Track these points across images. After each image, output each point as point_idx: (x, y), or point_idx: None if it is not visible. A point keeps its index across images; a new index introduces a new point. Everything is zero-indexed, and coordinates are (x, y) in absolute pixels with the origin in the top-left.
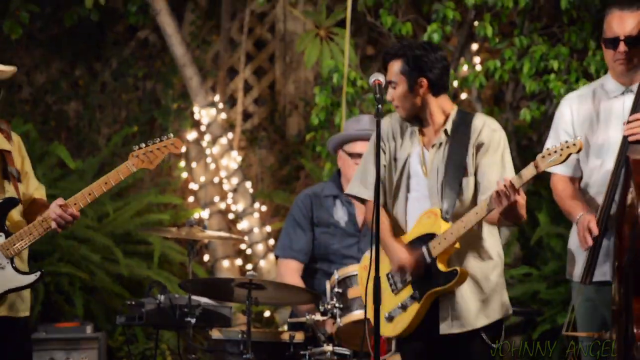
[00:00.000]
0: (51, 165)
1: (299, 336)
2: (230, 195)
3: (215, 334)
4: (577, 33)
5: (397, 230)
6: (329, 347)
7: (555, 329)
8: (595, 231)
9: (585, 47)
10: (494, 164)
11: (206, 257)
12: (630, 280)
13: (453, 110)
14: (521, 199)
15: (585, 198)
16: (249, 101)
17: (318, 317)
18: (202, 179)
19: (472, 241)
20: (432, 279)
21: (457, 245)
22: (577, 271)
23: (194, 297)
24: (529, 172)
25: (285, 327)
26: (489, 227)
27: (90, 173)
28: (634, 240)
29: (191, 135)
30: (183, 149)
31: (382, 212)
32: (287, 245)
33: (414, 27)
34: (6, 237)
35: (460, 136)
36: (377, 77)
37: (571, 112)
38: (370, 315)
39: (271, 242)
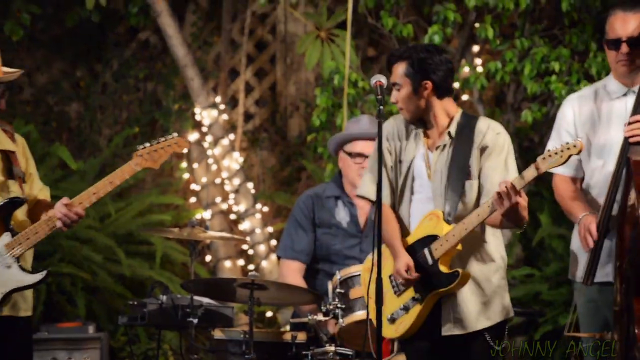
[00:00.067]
0: (52, 166)
1: (301, 336)
2: (232, 196)
3: (218, 334)
4: (578, 35)
5: (402, 231)
6: (331, 348)
7: (557, 329)
8: (595, 234)
9: (586, 49)
10: (498, 167)
11: (208, 258)
12: (631, 281)
13: (457, 112)
14: (522, 200)
15: (587, 198)
16: (250, 102)
17: (320, 317)
18: (204, 179)
19: (474, 243)
20: (434, 281)
21: (459, 247)
22: (580, 272)
23: (196, 298)
24: (529, 173)
25: (288, 328)
26: (492, 229)
27: (91, 174)
28: (635, 241)
29: (193, 136)
30: (185, 150)
31: (391, 213)
32: (289, 246)
33: (414, 28)
34: (12, 237)
35: (464, 139)
36: (379, 79)
37: (573, 112)
38: (373, 317)
39: (273, 242)
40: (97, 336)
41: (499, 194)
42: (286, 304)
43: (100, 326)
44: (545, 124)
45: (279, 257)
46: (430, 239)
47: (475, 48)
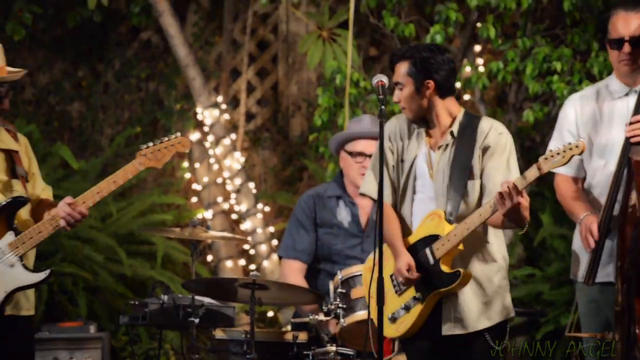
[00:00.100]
0: (54, 166)
1: (303, 336)
2: (233, 195)
3: (219, 334)
4: (580, 34)
5: (403, 231)
6: (332, 348)
7: (559, 330)
8: (596, 235)
9: (588, 49)
10: (500, 167)
11: (209, 258)
12: (632, 281)
13: (460, 112)
14: (524, 201)
15: (589, 198)
16: (252, 102)
17: (321, 317)
18: (205, 179)
19: (476, 243)
20: (435, 281)
21: (461, 247)
22: (581, 272)
23: (197, 297)
24: (532, 173)
25: (289, 327)
26: (494, 229)
27: (93, 174)
28: (636, 241)
29: (194, 136)
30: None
31: (393, 212)
32: (291, 246)
33: (416, 28)
34: (15, 236)
35: (466, 139)
36: (381, 78)
37: (575, 112)
38: (374, 316)
39: (274, 242)
40: (98, 336)
41: (500, 194)
42: (287, 304)
43: (102, 326)
44: (547, 124)
45: (280, 257)
46: (432, 238)
47: (477, 48)
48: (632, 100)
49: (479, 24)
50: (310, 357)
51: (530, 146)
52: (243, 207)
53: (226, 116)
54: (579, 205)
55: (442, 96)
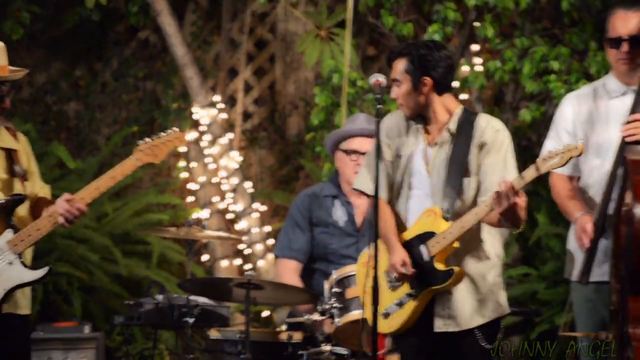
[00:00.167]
0: (51, 165)
1: (297, 336)
2: (229, 195)
3: (214, 333)
4: (577, 34)
5: (399, 227)
6: (327, 347)
7: (554, 329)
8: (591, 234)
9: (586, 48)
10: (496, 164)
11: (205, 257)
12: (626, 281)
13: (458, 109)
14: (521, 201)
15: (585, 197)
16: (249, 101)
17: (316, 317)
18: (202, 179)
19: (470, 241)
20: (429, 278)
21: (456, 244)
22: (576, 271)
23: (192, 297)
24: (529, 174)
25: (284, 327)
26: (488, 227)
27: (90, 173)
28: (630, 240)
29: (191, 135)
30: (183, 149)
31: (388, 208)
32: (286, 245)
33: (415, 27)
34: (14, 233)
35: (463, 135)
36: (378, 78)
37: (572, 111)
38: (368, 312)
39: (270, 242)
40: (93, 336)
41: (497, 193)
42: (282, 304)
43: (97, 326)
44: (544, 123)
45: (276, 256)
46: (428, 235)
47: (475, 47)
48: (629, 99)
49: (477, 24)
50: (305, 357)
51: (527, 145)
52: (239, 207)
53: (223, 115)
54: (574, 204)
55: (440, 93)
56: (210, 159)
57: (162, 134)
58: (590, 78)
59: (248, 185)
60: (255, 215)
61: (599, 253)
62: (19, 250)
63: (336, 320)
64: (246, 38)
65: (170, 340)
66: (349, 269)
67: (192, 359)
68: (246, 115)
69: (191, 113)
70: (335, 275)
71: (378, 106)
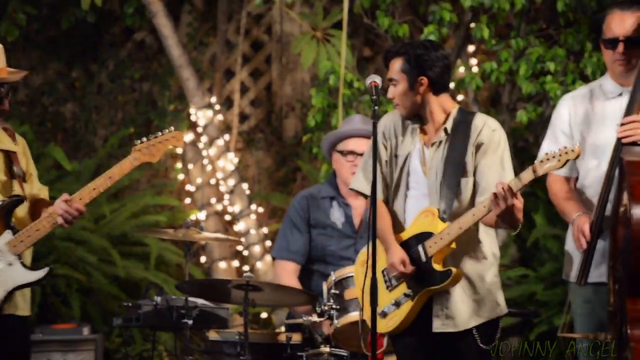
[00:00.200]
0: (47, 167)
1: (296, 337)
2: (226, 196)
3: (213, 335)
4: (573, 35)
5: (396, 227)
6: (326, 349)
7: (552, 330)
8: (588, 235)
9: (581, 49)
10: (493, 164)
11: (203, 259)
12: (623, 282)
13: (454, 109)
14: (518, 202)
15: (582, 198)
16: (246, 103)
17: (315, 318)
18: (199, 180)
19: (467, 241)
20: (426, 278)
21: (453, 245)
22: (574, 272)
23: (190, 299)
24: (527, 176)
25: (282, 329)
26: (485, 227)
27: (86, 174)
28: (627, 241)
29: (188, 136)
30: (180, 151)
31: (384, 208)
32: (284, 247)
33: (410, 28)
34: (13, 234)
35: (460, 135)
36: (374, 79)
37: (569, 112)
38: (366, 312)
39: (268, 243)
40: (92, 337)
41: (495, 195)
42: (281, 305)
43: (95, 328)
44: (541, 124)
45: (274, 258)
46: (425, 235)
47: (471, 48)
48: (625, 100)
49: (472, 25)
50: (304, 358)
51: (523, 146)
52: (236, 208)
53: (220, 117)
54: (571, 205)
55: (436, 93)
56: (207, 160)
57: (160, 133)
58: (586, 79)
59: (245, 186)
60: (253, 216)
61: (596, 254)
62: (19, 251)
63: (335, 321)
64: (242, 39)
65: (169, 342)
66: (347, 271)
67: None
68: (243, 117)
69: (188, 114)
70: (334, 276)
71: (374, 107)
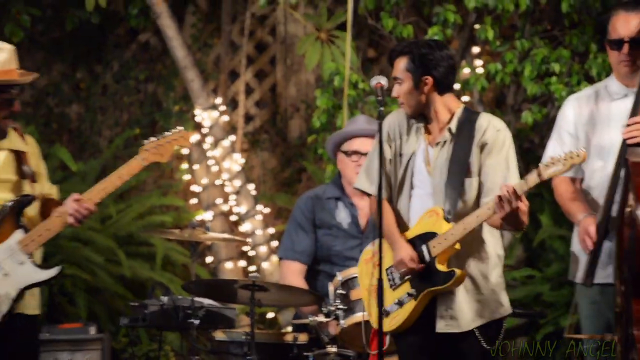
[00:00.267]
0: (53, 168)
1: (303, 337)
2: (232, 197)
3: (219, 335)
4: (578, 36)
5: (400, 226)
6: (332, 349)
7: (559, 331)
8: (594, 236)
9: (586, 50)
10: (498, 165)
11: (209, 259)
12: (629, 282)
13: (459, 108)
14: (523, 205)
15: (588, 199)
16: (251, 104)
17: (321, 318)
18: (205, 181)
19: (472, 241)
20: (430, 278)
21: (457, 246)
22: (580, 273)
23: (197, 299)
24: (532, 179)
25: (289, 329)
26: (489, 227)
27: (91, 175)
28: (633, 242)
29: (193, 137)
30: (186, 151)
31: (388, 206)
32: (290, 247)
33: (415, 29)
34: (25, 233)
35: (464, 135)
36: (379, 80)
37: (574, 113)
38: (369, 310)
39: (274, 244)
40: (98, 337)
41: (499, 197)
42: (287, 305)
43: (102, 327)
44: (546, 125)
45: (280, 258)
46: (429, 235)
47: (476, 49)
48: (630, 101)
49: (477, 26)
50: (311, 359)
51: (529, 148)
52: (242, 209)
53: (225, 118)
54: (577, 206)
55: (441, 92)
56: (212, 161)
57: (167, 133)
58: (591, 80)
59: (251, 187)
60: (259, 217)
61: (602, 255)
62: (30, 250)
63: (341, 321)
64: (246, 40)
65: (175, 342)
66: (353, 271)
67: None
68: (248, 118)
69: (193, 115)
70: (340, 277)
71: (380, 108)
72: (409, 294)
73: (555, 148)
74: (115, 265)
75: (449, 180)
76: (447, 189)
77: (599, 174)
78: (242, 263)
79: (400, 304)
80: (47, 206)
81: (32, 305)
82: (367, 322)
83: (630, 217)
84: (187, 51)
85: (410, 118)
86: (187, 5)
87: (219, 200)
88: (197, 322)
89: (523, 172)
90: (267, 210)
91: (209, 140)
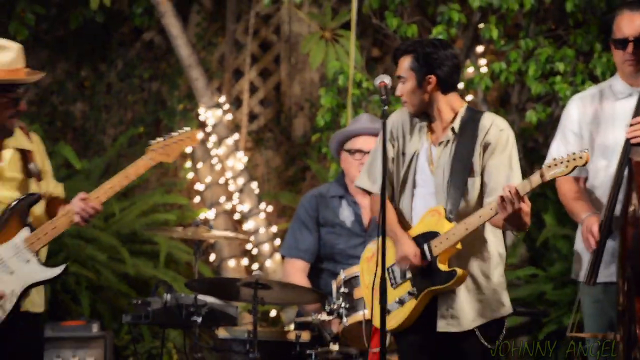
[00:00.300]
0: (57, 166)
1: (305, 336)
2: (236, 195)
3: (222, 333)
4: (582, 35)
5: (402, 225)
6: (335, 347)
7: (561, 330)
8: (597, 235)
9: (591, 50)
10: (501, 164)
11: (212, 257)
12: (632, 281)
13: (462, 108)
14: (526, 206)
15: (591, 199)
16: (255, 102)
17: (324, 317)
18: (208, 179)
19: (474, 240)
20: (431, 278)
21: (459, 246)
22: (583, 272)
23: (200, 297)
24: (534, 180)
25: (292, 327)
26: (491, 227)
27: (96, 173)
28: (636, 241)
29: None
30: (189, 150)
31: (389, 204)
32: (293, 245)
33: (419, 29)
34: (31, 231)
35: (467, 135)
36: (383, 79)
37: (578, 112)
38: (373, 309)
39: (277, 242)
40: (101, 335)
41: (502, 198)
42: (290, 304)
43: (105, 325)
44: (550, 125)
45: (283, 256)
46: (431, 235)
47: (480, 48)
48: (635, 100)
49: (481, 25)
50: (313, 357)
51: (533, 147)
52: (246, 207)
53: (229, 116)
54: (581, 205)
55: (445, 91)
56: (216, 159)
57: (174, 133)
58: (595, 79)
59: (254, 185)
60: (262, 215)
61: (606, 254)
62: (36, 248)
63: (344, 320)
64: (250, 39)
65: (178, 339)
66: (356, 269)
67: (200, 358)
68: (252, 116)
69: (197, 114)
70: (343, 275)
71: (384, 107)
72: (410, 293)
73: (560, 147)
74: (119, 263)
75: (452, 180)
76: (450, 189)
77: (603, 173)
78: (245, 261)
79: (401, 302)
80: (53, 205)
81: (37, 303)
82: (368, 320)
83: (633, 216)
84: (191, 50)
85: (414, 117)
86: (191, 4)
87: (222, 199)
88: (199, 319)
89: (527, 172)
90: (270, 208)
91: (213, 138)
